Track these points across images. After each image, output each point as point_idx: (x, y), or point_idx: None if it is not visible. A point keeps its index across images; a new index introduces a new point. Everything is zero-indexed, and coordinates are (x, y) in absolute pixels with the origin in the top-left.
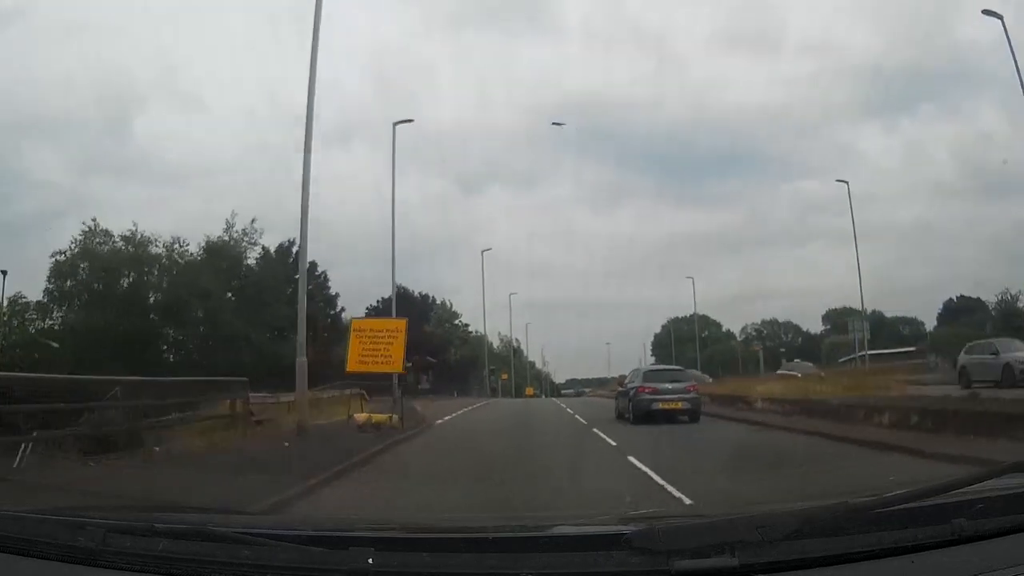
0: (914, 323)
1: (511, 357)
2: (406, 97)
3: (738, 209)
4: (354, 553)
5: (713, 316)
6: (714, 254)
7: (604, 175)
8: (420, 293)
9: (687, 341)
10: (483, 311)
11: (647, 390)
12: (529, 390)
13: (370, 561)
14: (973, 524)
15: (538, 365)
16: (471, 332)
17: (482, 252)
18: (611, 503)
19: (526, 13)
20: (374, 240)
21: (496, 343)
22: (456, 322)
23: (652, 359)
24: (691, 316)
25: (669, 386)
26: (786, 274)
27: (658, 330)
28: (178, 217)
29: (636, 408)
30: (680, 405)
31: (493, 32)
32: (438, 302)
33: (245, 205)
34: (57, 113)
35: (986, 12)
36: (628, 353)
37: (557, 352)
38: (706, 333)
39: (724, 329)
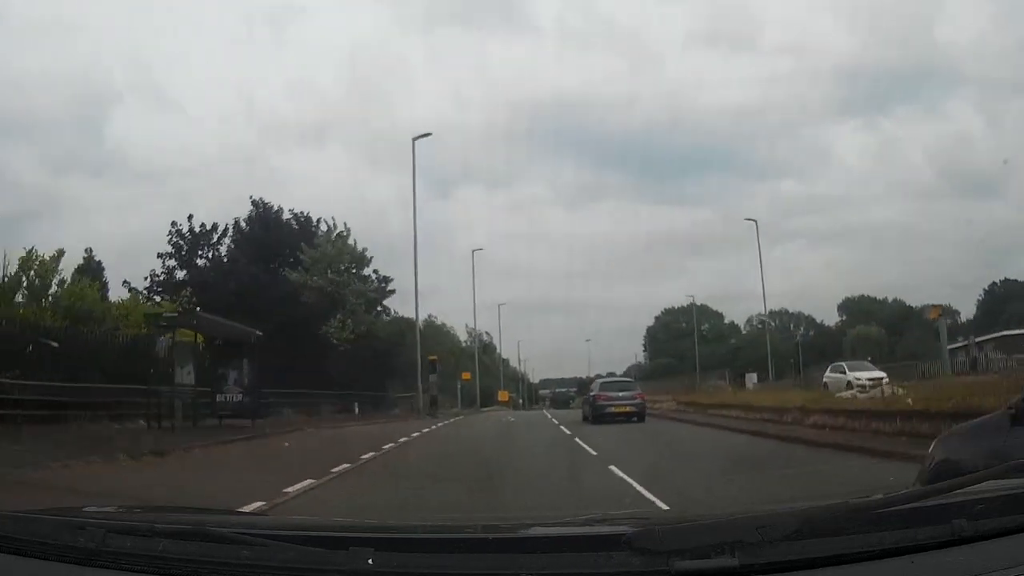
0: (946, 312)
1: (476, 353)
2: (381, 96)
3: (718, 207)
4: (354, 553)
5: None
6: (696, 251)
7: (579, 174)
8: (295, 212)
9: (684, 336)
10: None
11: (602, 398)
12: (503, 395)
13: (370, 561)
14: (973, 524)
15: (513, 364)
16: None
17: (473, 252)
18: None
19: (500, 12)
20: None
21: (463, 337)
22: (369, 274)
23: (644, 354)
24: (688, 306)
25: (620, 394)
26: (776, 268)
27: (651, 323)
28: (154, 217)
29: (594, 411)
30: (628, 408)
31: (468, 31)
32: (331, 228)
33: (220, 205)
34: (28, 112)
35: None
36: (610, 351)
37: (534, 351)
38: (706, 326)
39: (727, 321)
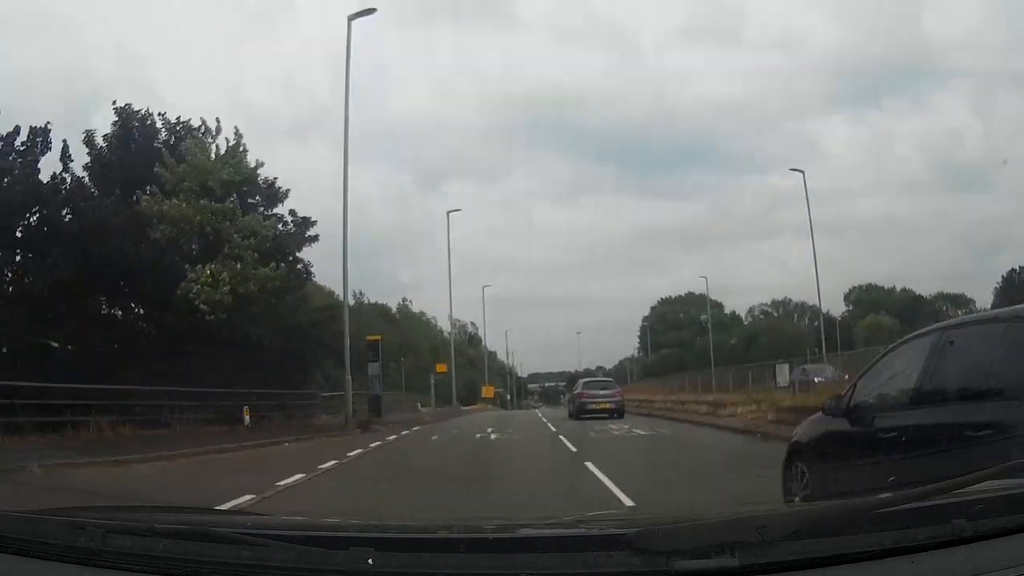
0: (960, 301)
1: (451, 339)
2: (366, 92)
3: (709, 200)
4: (354, 553)
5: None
6: (688, 245)
7: (568, 168)
8: (171, 121)
9: (685, 327)
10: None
11: (585, 395)
12: (488, 390)
13: (370, 561)
14: (973, 524)
15: (501, 357)
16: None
17: (448, 213)
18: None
19: (489, 7)
20: (337, 239)
21: (447, 329)
22: (278, 212)
23: (639, 347)
24: (687, 295)
25: (600, 392)
26: (764, 263)
27: (646, 314)
28: None
29: (577, 407)
30: (608, 405)
31: (456, 26)
32: (211, 132)
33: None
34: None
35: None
36: (602, 345)
37: (523, 345)
38: (705, 317)
39: (728, 311)
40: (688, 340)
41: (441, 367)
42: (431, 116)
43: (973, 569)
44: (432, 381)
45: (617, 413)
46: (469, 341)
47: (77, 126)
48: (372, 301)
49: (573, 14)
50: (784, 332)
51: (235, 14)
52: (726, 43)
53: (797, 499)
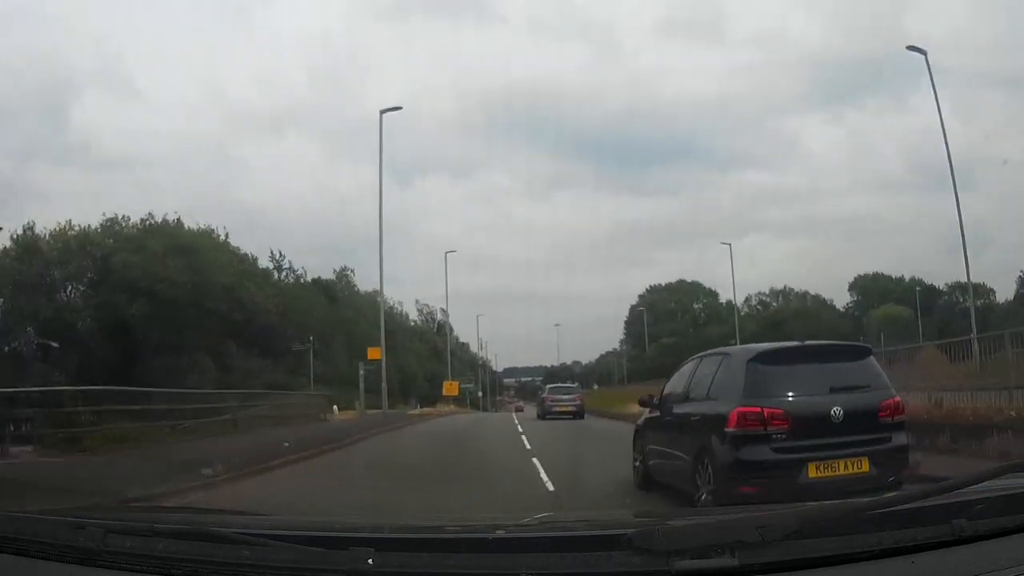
0: (980, 292)
1: (381, 305)
2: (345, 85)
3: (690, 196)
4: (354, 553)
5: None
6: (672, 240)
7: (546, 163)
8: None
9: (673, 318)
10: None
11: (550, 400)
12: (450, 387)
13: (370, 561)
14: (973, 524)
15: (473, 349)
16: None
17: (381, 112)
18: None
19: (467, 1)
20: (314, 226)
21: (413, 314)
22: None
23: (622, 338)
24: (677, 283)
25: (564, 397)
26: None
27: (626, 312)
28: (116, 206)
29: (543, 410)
30: (570, 408)
31: (434, 20)
32: None
33: (184, 194)
34: None
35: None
36: (582, 339)
37: (498, 340)
38: (699, 305)
39: (723, 300)
40: (681, 331)
41: (374, 352)
42: (408, 110)
43: (973, 569)
44: (361, 372)
45: (577, 415)
46: (437, 331)
47: (53, 117)
48: (311, 278)
49: (550, 8)
50: (820, 318)
51: (214, 7)
52: (706, 39)
53: (638, 462)
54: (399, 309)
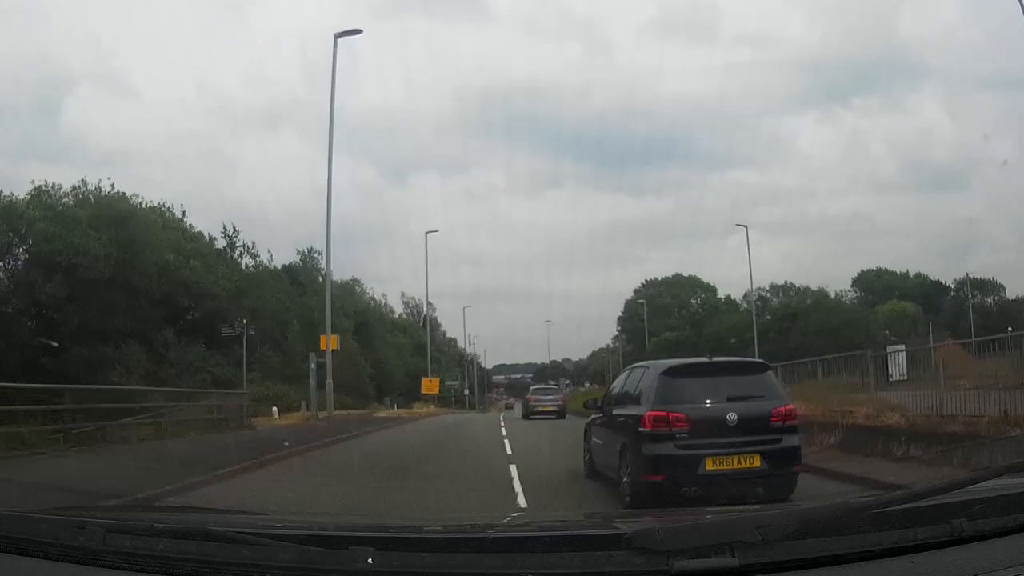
0: (989, 287)
1: (328, 276)
2: (338, 82)
3: (682, 195)
4: (354, 553)
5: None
6: (665, 239)
7: (537, 162)
8: None
9: (661, 316)
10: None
11: (533, 400)
12: (429, 384)
13: (370, 561)
14: (973, 524)
15: (461, 344)
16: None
17: (336, 36)
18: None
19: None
20: (311, 224)
21: (399, 308)
22: None
23: (615, 334)
24: (673, 277)
25: (546, 398)
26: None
27: (619, 304)
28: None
29: (527, 409)
30: (552, 408)
31: (425, 18)
32: None
33: (175, 190)
34: None
35: None
36: (574, 336)
37: (488, 337)
38: (696, 300)
39: (721, 296)
40: (677, 325)
41: (331, 343)
42: (400, 108)
43: (973, 569)
44: (311, 366)
45: (559, 415)
46: (423, 325)
47: (46, 114)
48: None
49: (544, 7)
50: (843, 314)
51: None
52: (701, 39)
53: (587, 456)
54: (383, 301)
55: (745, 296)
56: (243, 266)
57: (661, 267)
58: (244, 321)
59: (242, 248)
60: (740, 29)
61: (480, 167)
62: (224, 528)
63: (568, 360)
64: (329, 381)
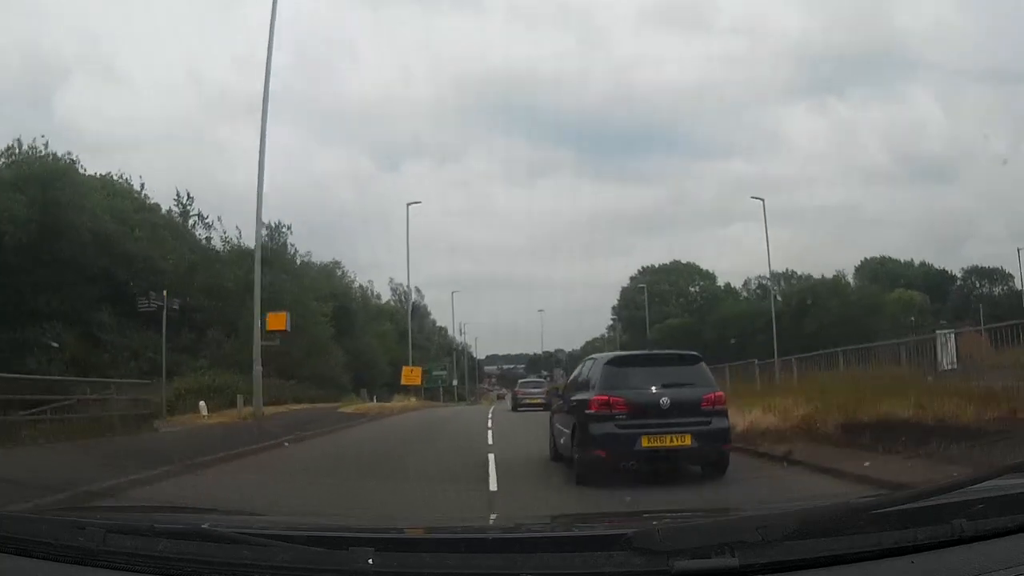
0: (997, 276)
1: (259, 229)
2: (326, 71)
3: (672, 185)
4: (354, 553)
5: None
6: (650, 228)
7: (529, 151)
8: None
9: (659, 304)
10: None
11: (521, 393)
12: (410, 373)
13: (370, 561)
14: (973, 524)
15: (451, 333)
16: None
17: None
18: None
19: None
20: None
21: (386, 294)
22: None
23: (610, 324)
24: (672, 264)
25: (533, 390)
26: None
27: (612, 293)
28: None
29: (515, 402)
30: (539, 400)
31: (415, 6)
32: None
33: (169, 178)
34: None
35: None
36: (568, 325)
37: (480, 326)
38: (695, 288)
39: (721, 284)
40: (676, 314)
41: (276, 320)
42: (390, 96)
43: (973, 569)
44: (255, 353)
45: (545, 406)
46: (412, 312)
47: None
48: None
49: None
50: (863, 300)
51: None
52: (694, 27)
53: (551, 440)
54: (369, 287)
55: (745, 284)
56: (206, 241)
57: (654, 256)
58: (164, 293)
59: (196, 218)
60: (734, 17)
61: (471, 156)
62: (224, 528)
63: (561, 351)
64: (257, 368)
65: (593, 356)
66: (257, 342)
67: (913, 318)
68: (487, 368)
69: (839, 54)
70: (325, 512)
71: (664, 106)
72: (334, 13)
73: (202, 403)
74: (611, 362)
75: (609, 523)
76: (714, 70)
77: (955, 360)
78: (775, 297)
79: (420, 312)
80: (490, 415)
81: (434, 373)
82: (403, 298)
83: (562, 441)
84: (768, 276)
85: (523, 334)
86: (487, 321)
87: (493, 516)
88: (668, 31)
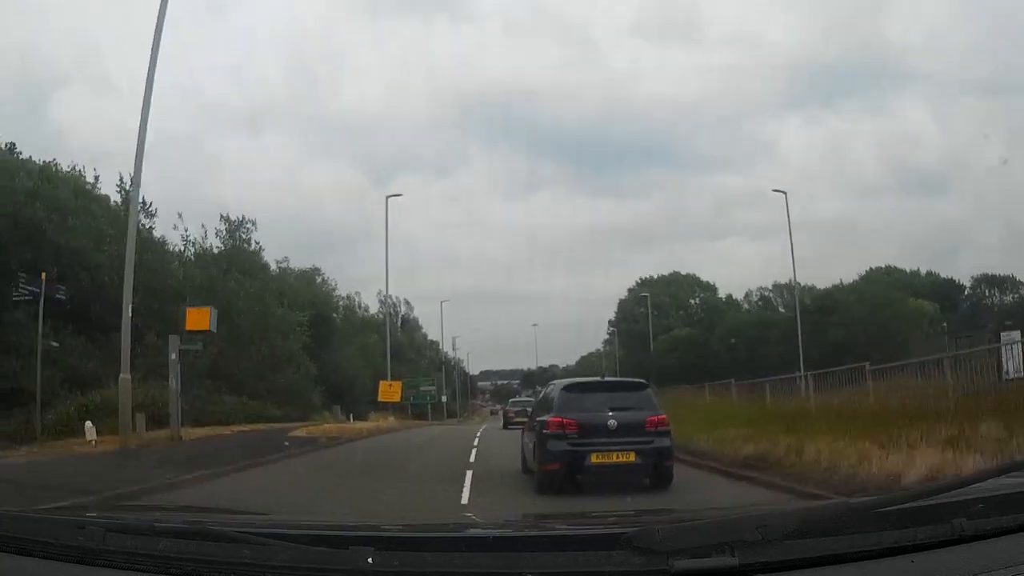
0: (1007, 284)
1: (134, 203)
2: (319, 83)
3: (668, 198)
4: (354, 553)
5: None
6: (644, 242)
7: (522, 164)
8: None
9: (659, 317)
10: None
11: (510, 412)
12: (388, 388)
13: (370, 561)
14: (973, 524)
15: (444, 348)
16: None
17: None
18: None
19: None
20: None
21: (374, 307)
22: None
23: (607, 337)
24: (670, 276)
25: (524, 410)
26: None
27: (607, 308)
28: None
29: (506, 420)
30: (527, 419)
31: (409, 19)
32: None
33: (155, 189)
34: None
35: None
36: (562, 340)
37: (473, 342)
38: (696, 300)
39: (722, 295)
40: (676, 326)
41: (196, 317)
42: (382, 109)
43: (973, 569)
44: (172, 356)
45: None
46: (402, 325)
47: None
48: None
49: (527, 9)
50: (893, 307)
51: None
52: (686, 40)
53: (523, 455)
54: (355, 299)
55: (747, 296)
56: (148, 232)
57: (649, 270)
58: (43, 276)
59: (140, 205)
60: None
61: (465, 169)
62: (224, 528)
63: (555, 366)
64: (124, 377)
65: (554, 382)
66: (126, 346)
67: (945, 323)
68: (481, 384)
69: (823, 65)
70: (325, 511)
71: (658, 121)
72: (328, 25)
73: (88, 424)
74: (567, 388)
75: (609, 523)
76: (709, 83)
77: (1021, 367)
78: (795, 304)
79: (411, 325)
80: (477, 438)
81: (422, 388)
82: (393, 310)
83: (529, 455)
84: (774, 289)
85: (518, 349)
86: (482, 336)
87: (493, 516)
88: (663, 44)
